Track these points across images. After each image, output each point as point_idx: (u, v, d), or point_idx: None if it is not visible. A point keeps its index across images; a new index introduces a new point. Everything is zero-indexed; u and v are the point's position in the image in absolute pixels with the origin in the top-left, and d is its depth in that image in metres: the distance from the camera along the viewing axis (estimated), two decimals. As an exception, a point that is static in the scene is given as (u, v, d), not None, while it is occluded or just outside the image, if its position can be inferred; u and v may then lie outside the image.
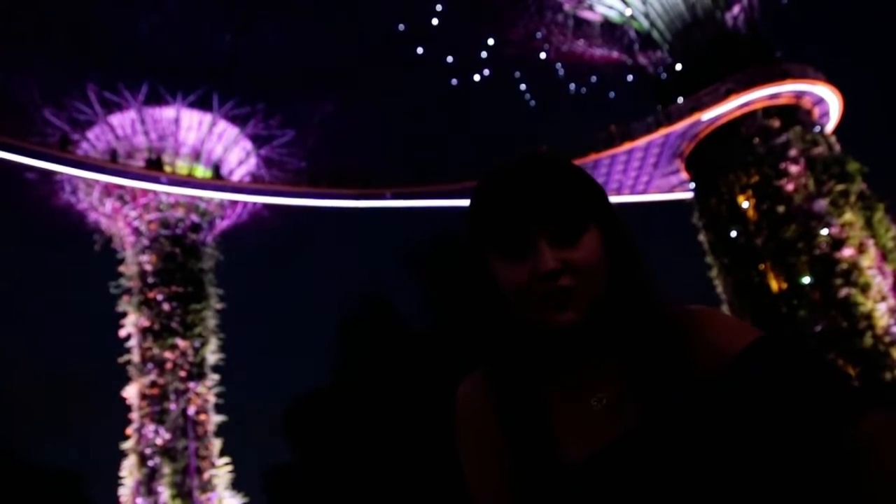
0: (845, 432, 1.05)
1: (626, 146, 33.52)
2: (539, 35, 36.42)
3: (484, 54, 37.44)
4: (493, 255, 1.21)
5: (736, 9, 33.48)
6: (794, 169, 29.75)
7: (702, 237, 32.74)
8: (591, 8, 35.36)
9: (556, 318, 1.16)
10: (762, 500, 1.11)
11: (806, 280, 28.23)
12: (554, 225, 1.16)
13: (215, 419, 31.96)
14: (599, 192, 1.23)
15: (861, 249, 28.13)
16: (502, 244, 1.19)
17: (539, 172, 1.19)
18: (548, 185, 1.18)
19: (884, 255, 28.09)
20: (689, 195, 34.37)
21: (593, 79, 38.40)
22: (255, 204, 35.61)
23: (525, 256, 1.16)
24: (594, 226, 1.19)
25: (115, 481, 30.63)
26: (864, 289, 27.52)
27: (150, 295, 32.19)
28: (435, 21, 36.45)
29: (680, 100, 32.51)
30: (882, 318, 27.08)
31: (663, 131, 32.70)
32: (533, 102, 40.14)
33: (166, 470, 29.84)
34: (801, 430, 1.08)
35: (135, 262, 32.99)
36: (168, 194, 33.06)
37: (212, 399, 32.13)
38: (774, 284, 29.18)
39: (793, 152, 29.98)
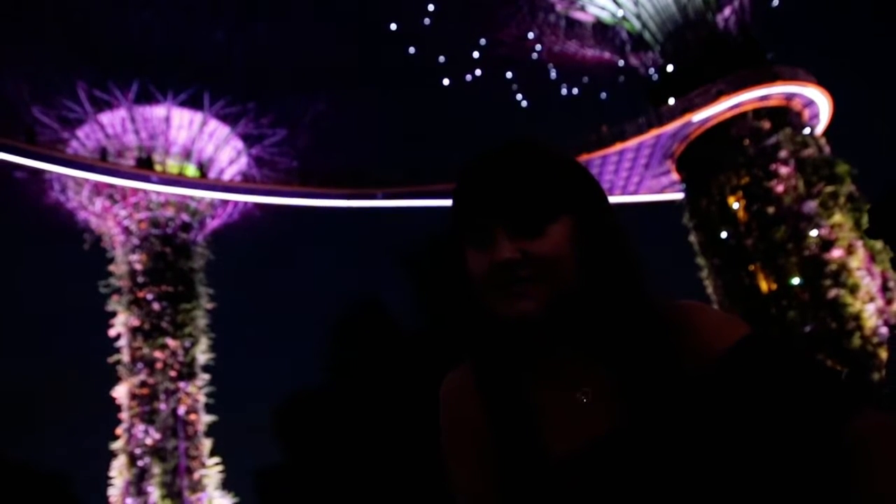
0: (837, 431, 1.05)
1: (618, 147, 33.61)
2: (531, 35, 36.46)
3: (476, 54, 37.47)
4: (465, 244, 1.21)
5: (727, 11, 33.61)
6: (784, 170, 29.89)
7: (692, 238, 32.84)
8: (582, 9, 35.42)
9: (513, 308, 1.15)
10: (751, 498, 1.12)
11: (795, 281, 28.37)
12: (515, 215, 1.15)
13: (205, 419, 31.89)
14: (578, 180, 1.20)
15: (850, 251, 28.28)
16: (469, 233, 1.19)
17: (508, 161, 1.18)
18: (512, 175, 1.16)
19: (872, 257, 28.24)
20: (679, 196, 34.47)
21: (585, 79, 38.48)
22: (245, 203, 35.52)
23: (487, 246, 1.16)
24: (565, 215, 1.16)
25: (105, 481, 30.56)
26: (853, 290, 27.67)
27: (140, 294, 32.08)
28: (427, 21, 36.45)
29: (671, 101, 32.60)
30: (870, 318, 27.23)
31: (654, 132, 32.79)
32: (525, 103, 40.18)
33: (156, 470, 29.74)
34: (792, 428, 1.08)
35: (125, 261, 32.87)
36: (158, 193, 32.94)
37: (202, 399, 32.05)
38: (764, 285, 29.31)
39: (783, 154, 30.13)
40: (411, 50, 38.14)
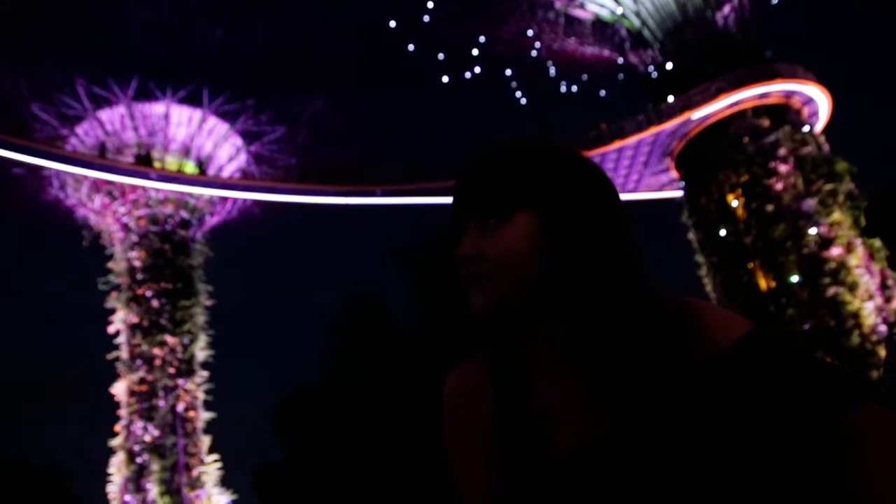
0: (836, 424, 1.06)
1: (617, 145, 33.61)
2: (530, 33, 36.44)
3: (475, 52, 37.44)
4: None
5: (727, 8, 33.60)
6: (783, 168, 29.90)
7: (691, 236, 32.86)
8: (582, 6, 35.39)
9: (471, 303, 1.19)
10: (753, 492, 1.11)
11: (794, 279, 28.38)
12: (478, 213, 1.19)
13: (204, 416, 31.89)
14: (544, 175, 1.19)
15: (849, 249, 28.30)
16: (455, 229, 1.23)
17: (485, 160, 1.22)
18: (477, 174, 1.21)
19: (871, 255, 28.27)
20: (678, 194, 34.48)
21: (584, 77, 38.46)
22: (244, 200, 35.50)
23: (460, 242, 1.21)
24: (525, 213, 1.16)
25: (104, 478, 30.54)
26: (852, 288, 27.70)
27: (139, 291, 32.06)
28: (426, 18, 36.41)
29: (670, 98, 32.59)
30: (869, 316, 27.25)
31: (654, 130, 32.79)
32: (524, 100, 40.16)
33: (155, 467, 29.75)
34: (793, 422, 1.08)
35: (124, 258, 32.85)
36: (157, 190, 32.92)
37: (201, 396, 32.05)
38: (763, 283, 29.32)
39: (782, 152, 30.13)
40: (410, 47, 38.12)
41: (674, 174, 34.52)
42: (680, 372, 1.14)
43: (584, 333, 1.17)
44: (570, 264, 1.16)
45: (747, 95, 30.81)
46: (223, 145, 35.29)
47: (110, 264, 33.28)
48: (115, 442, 30.67)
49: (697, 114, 31.49)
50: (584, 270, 1.16)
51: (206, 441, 31.40)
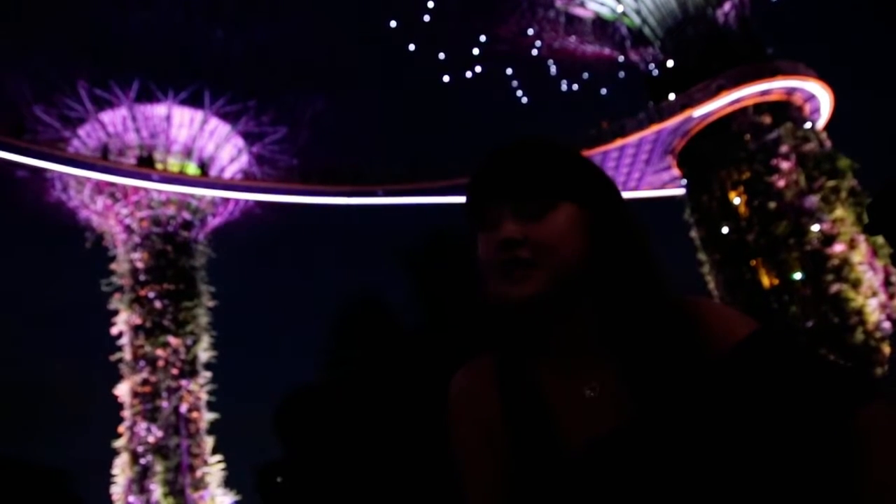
0: (844, 422, 1.06)
1: (618, 143, 33.58)
2: (531, 32, 36.42)
3: (476, 51, 37.43)
4: (478, 232, 1.23)
5: (727, 6, 33.55)
6: (785, 165, 29.85)
7: (693, 233, 32.82)
8: (582, 4, 35.36)
9: (512, 290, 1.16)
10: (761, 489, 1.11)
11: (797, 276, 28.34)
12: (519, 199, 1.18)
13: (207, 417, 31.95)
14: (582, 171, 1.22)
15: (852, 245, 28.24)
16: (479, 218, 1.22)
17: (515, 153, 1.22)
18: (517, 163, 1.20)
19: (874, 251, 28.20)
20: (680, 191, 34.45)
21: (585, 75, 38.45)
22: (246, 201, 35.54)
23: (495, 228, 1.19)
24: (567, 203, 1.18)
25: (108, 479, 30.60)
26: (855, 284, 27.64)
27: (142, 292, 32.12)
28: (427, 18, 36.40)
29: (671, 96, 32.56)
30: (873, 313, 27.20)
31: (655, 128, 32.76)
32: (525, 99, 40.16)
33: (158, 468, 29.80)
34: (801, 419, 1.09)
35: (126, 259, 32.90)
36: (159, 192, 32.97)
37: (204, 396, 32.11)
38: (766, 280, 29.29)
39: (784, 149, 30.09)
40: (411, 47, 38.11)
41: (675, 172, 34.49)
42: (697, 369, 1.15)
43: (617, 327, 1.19)
44: (611, 259, 1.19)
45: (748, 92, 30.76)
46: (225, 146, 35.33)
47: (113, 266, 33.35)
48: (118, 443, 30.74)
49: (698, 111, 31.46)
50: (624, 266, 1.19)
51: (209, 442, 31.45)
